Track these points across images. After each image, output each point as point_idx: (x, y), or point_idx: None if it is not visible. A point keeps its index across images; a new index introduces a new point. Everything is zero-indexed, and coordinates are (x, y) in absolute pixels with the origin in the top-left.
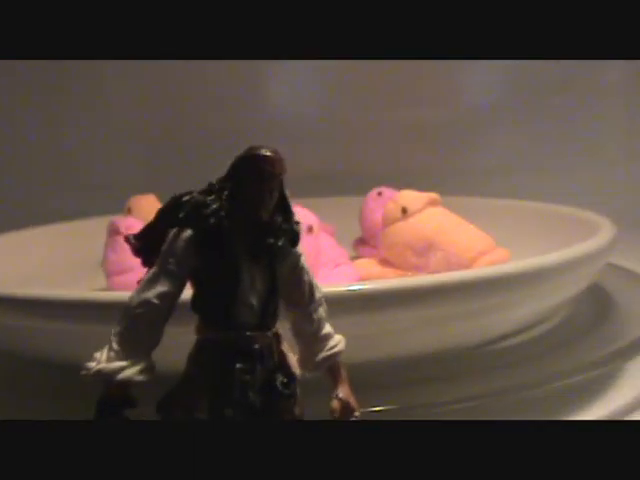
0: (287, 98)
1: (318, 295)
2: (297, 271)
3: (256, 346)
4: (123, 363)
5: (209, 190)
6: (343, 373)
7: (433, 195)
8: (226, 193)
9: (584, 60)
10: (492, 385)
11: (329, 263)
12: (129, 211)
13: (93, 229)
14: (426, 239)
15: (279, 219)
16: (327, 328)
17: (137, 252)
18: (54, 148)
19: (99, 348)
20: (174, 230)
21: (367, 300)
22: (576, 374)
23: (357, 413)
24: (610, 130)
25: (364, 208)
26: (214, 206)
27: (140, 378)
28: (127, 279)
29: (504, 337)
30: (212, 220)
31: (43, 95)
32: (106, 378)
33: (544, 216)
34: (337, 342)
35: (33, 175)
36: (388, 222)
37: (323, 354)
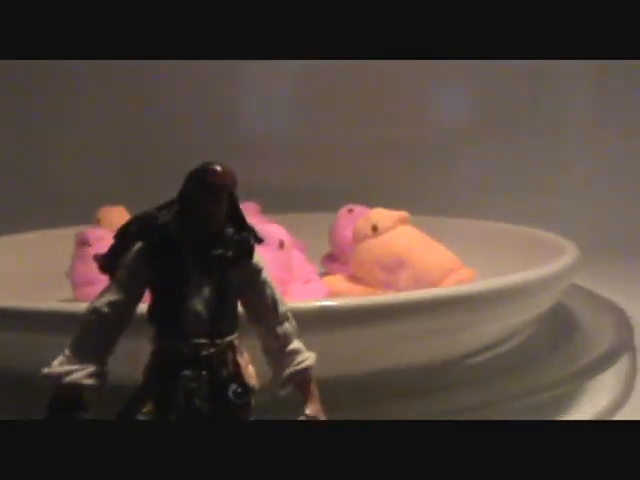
0: (259, 113)
1: (282, 310)
2: (258, 285)
3: (203, 353)
4: (72, 367)
5: (162, 205)
6: (313, 390)
7: (403, 213)
8: (177, 207)
9: (553, 82)
10: (456, 402)
11: (300, 278)
12: (98, 222)
13: (61, 239)
14: (396, 256)
15: (230, 231)
16: (295, 344)
17: (104, 270)
18: (22, 156)
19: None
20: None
21: (339, 316)
22: (539, 392)
23: None
24: (574, 155)
25: (335, 225)
26: (163, 220)
27: (88, 382)
28: (95, 290)
29: (469, 355)
30: (160, 233)
31: (10, 101)
32: (55, 381)
33: (509, 237)
34: (305, 358)
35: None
36: (359, 239)
37: (290, 370)
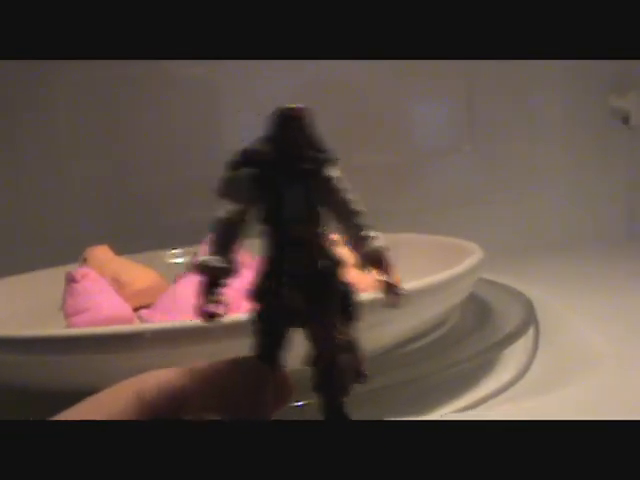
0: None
1: (353, 207)
2: (330, 189)
3: (300, 236)
4: (212, 257)
5: (261, 140)
6: (388, 263)
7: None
8: (272, 140)
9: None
10: (405, 375)
11: None
12: (85, 261)
13: (51, 279)
14: None
15: (310, 152)
16: (367, 231)
17: (222, 195)
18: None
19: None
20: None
21: None
22: (462, 363)
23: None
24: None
25: None
26: (264, 152)
27: (224, 265)
28: (82, 319)
29: (409, 341)
30: (263, 161)
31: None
32: (202, 267)
33: (431, 245)
34: (377, 239)
35: None
36: None
37: (365, 250)
